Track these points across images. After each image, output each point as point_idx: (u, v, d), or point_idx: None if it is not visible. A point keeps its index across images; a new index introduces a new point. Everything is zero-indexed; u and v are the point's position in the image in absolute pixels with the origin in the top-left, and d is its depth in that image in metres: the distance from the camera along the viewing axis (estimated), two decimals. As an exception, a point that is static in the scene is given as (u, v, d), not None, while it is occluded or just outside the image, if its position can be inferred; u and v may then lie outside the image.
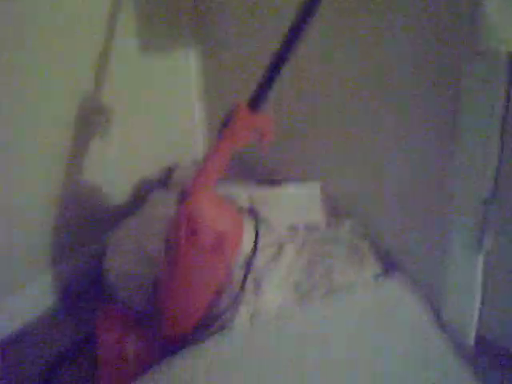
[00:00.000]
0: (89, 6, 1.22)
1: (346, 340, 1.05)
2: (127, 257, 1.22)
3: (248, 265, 1.07)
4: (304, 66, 1.21)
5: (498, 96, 0.92)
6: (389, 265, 1.20)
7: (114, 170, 1.38)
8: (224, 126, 0.95)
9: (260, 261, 1.11)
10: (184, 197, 1.00)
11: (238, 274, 1.08)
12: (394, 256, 1.21)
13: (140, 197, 1.43)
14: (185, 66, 1.51)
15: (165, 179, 1.49)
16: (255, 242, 1.08)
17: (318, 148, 1.30)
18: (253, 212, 1.09)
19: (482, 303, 1.08)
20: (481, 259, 1.04)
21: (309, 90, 1.27)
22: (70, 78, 1.22)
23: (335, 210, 1.29)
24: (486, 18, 0.85)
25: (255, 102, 0.94)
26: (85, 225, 1.34)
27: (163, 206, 1.29)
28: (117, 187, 1.41)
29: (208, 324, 1.08)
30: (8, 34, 1.08)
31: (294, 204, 1.24)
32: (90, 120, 1.28)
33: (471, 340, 1.10)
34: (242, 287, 1.06)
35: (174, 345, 1.07)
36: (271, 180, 1.38)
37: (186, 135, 1.59)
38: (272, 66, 0.92)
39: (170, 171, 1.50)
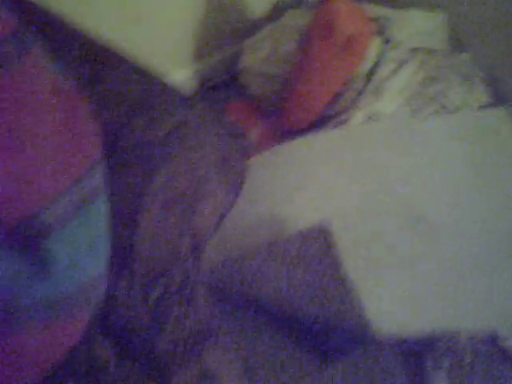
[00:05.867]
0: None
1: (447, 152, 1.16)
2: (261, 57, 1.36)
3: (371, 72, 1.18)
4: None
5: None
6: (497, 98, 1.27)
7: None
8: None
9: (380, 72, 1.21)
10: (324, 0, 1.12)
11: (359, 81, 1.20)
12: (503, 89, 1.28)
13: (276, 14, 1.54)
14: None
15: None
16: (381, 53, 1.19)
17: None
18: (381, 25, 1.19)
19: None
20: None
21: None
22: None
23: (456, 42, 1.35)
24: None
25: None
26: (225, 29, 1.49)
27: (298, 18, 1.40)
28: (255, 3, 1.54)
29: (326, 121, 1.23)
30: None
31: (419, 28, 1.30)
32: None
33: None
34: (362, 91, 1.19)
35: (292, 136, 1.23)
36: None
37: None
38: None
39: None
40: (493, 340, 0.91)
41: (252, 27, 1.48)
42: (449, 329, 0.89)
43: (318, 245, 0.95)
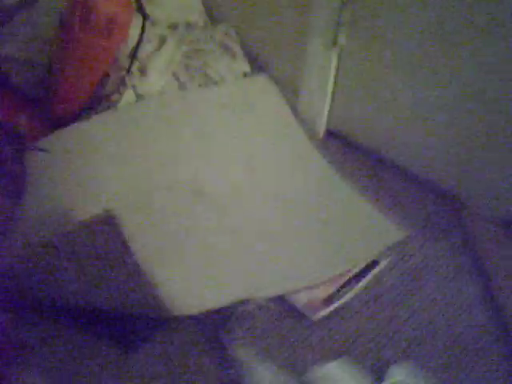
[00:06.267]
0: None
1: (219, 123, 1.22)
2: (20, 44, 1.29)
3: (134, 51, 1.19)
4: None
5: None
6: (256, 67, 1.36)
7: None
8: None
9: (144, 50, 1.23)
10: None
11: (125, 61, 1.20)
12: (260, 59, 1.36)
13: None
14: None
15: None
16: (142, 32, 1.20)
17: None
18: (139, 3, 1.20)
19: (333, 99, 1.25)
20: (335, 56, 1.18)
21: None
22: None
23: (212, 12, 1.42)
24: None
25: None
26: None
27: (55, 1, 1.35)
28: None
29: (95, 105, 1.21)
30: None
31: (176, 3, 1.34)
32: None
33: (321, 132, 1.30)
34: (128, 71, 1.19)
35: (63, 123, 1.19)
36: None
37: None
38: None
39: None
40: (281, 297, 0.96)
41: (7, 13, 1.39)
42: (243, 296, 0.93)
43: (105, 234, 0.94)
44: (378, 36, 1.11)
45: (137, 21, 1.20)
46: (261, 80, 1.32)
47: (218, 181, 1.13)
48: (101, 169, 1.10)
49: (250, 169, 1.17)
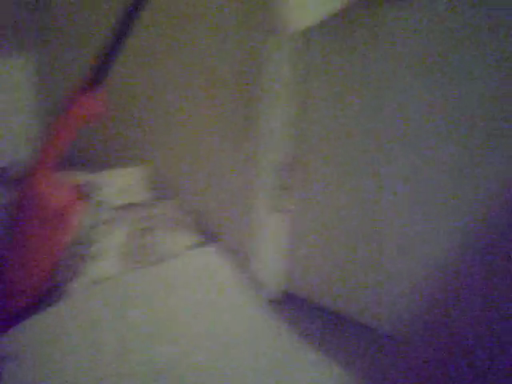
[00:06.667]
0: None
1: (175, 300, 1.20)
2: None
3: (87, 236, 1.19)
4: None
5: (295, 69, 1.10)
6: (208, 236, 1.39)
7: None
8: (64, 110, 1.07)
9: (94, 235, 1.24)
10: (26, 176, 1.11)
11: (76, 248, 1.20)
12: (212, 227, 1.40)
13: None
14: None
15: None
16: (91, 219, 1.21)
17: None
18: (88, 189, 1.22)
19: (287, 260, 1.26)
20: (282, 219, 1.22)
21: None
22: None
23: (159, 190, 1.47)
24: None
25: (93, 84, 1.05)
26: None
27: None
28: None
29: (49, 296, 1.18)
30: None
31: (124, 184, 1.40)
32: None
33: (279, 293, 1.29)
34: (80, 257, 1.19)
35: (16, 318, 1.14)
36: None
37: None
38: (111, 41, 1.02)
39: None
40: None
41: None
42: None
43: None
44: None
45: (87, 206, 1.21)
46: (212, 251, 1.34)
47: (180, 361, 1.09)
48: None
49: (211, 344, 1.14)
